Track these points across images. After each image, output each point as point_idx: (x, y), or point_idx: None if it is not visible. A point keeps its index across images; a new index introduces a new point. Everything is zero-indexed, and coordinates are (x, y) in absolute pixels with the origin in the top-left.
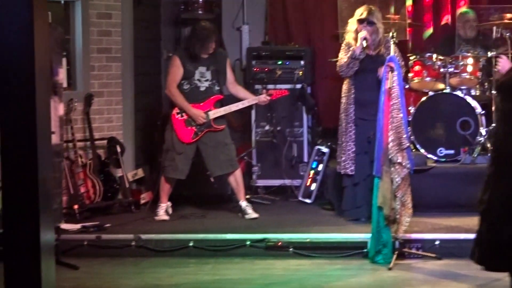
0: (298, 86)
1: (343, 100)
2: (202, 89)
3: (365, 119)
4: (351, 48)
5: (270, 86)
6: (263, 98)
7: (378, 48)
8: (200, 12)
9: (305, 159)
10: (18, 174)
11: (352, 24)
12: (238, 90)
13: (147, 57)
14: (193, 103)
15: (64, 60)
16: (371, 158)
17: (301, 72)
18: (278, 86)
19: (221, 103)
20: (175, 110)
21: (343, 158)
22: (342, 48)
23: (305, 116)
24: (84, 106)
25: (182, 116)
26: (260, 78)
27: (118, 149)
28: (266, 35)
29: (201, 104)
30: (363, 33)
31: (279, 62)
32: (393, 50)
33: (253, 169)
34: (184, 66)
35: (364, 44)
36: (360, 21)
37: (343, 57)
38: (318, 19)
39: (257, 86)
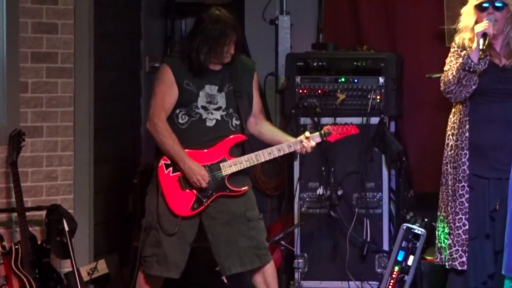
0: (375, 120)
1: (450, 141)
2: (210, 123)
3: (487, 178)
4: (463, 53)
5: (327, 120)
6: (314, 140)
7: None
8: None
9: (386, 247)
10: None
11: (467, 14)
12: (263, 128)
13: (118, 69)
14: (193, 147)
15: None
16: (498, 246)
17: (379, 97)
18: (340, 119)
19: (242, 149)
20: (163, 161)
21: (448, 242)
22: (450, 54)
23: (385, 172)
24: (8, 152)
25: (175, 170)
26: (310, 106)
27: (66, 226)
28: (320, 33)
29: (207, 149)
30: (481, 26)
31: (343, 79)
32: None
33: (295, 262)
34: (181, 84)
35: (481, 44)
36: (480, 6)
37: (451, 67)
38: (409, 7)
39: (304, 120)
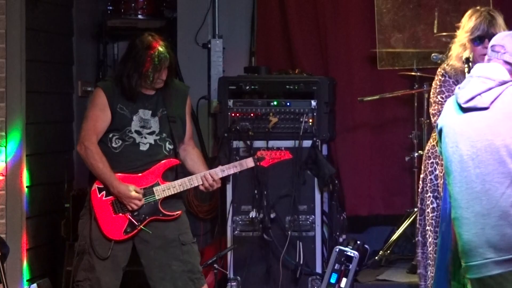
0: (307, 143)
1: (436, 171)
2: (143, 147)
3: None
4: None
5: (260, 143)
6: (247, 165)
7: None
8: (140, 16)
9: (319, 269)
10: None
11: (460, 43)
12: (188, 156)
13: (50, 93)
14: (127, 171)
15: None
16: None
17: (312, 120)
18: (273, 142)
19: (175, 173)
20: (97, 185)
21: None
22: (439, 83)
23: (318, 195)
24: None
25: (108, 194)
26: (242, 130)
27: None
28: (253, 57)
29: (141, 173)
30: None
31: (275, 103)
32: None
33: (228, 286)
34: (114, 108)
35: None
36: (476, 40)
37: (438, 99)
38: (341, 31)
39: (237, 143)
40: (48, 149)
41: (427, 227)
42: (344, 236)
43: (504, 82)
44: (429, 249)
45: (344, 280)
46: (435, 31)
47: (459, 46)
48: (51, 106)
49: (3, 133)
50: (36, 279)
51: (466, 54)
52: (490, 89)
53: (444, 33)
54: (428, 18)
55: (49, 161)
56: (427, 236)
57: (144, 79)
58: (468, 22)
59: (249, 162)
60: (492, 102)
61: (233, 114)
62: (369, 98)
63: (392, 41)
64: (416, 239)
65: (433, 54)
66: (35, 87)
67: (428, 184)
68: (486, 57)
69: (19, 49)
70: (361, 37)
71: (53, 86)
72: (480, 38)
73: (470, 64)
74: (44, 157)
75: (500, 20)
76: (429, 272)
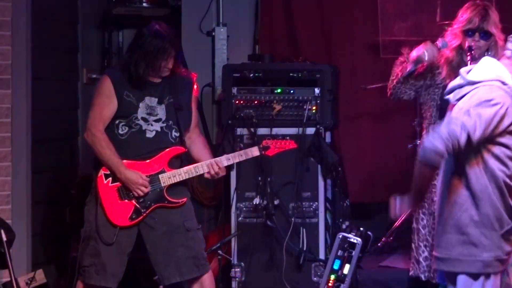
0: (311, 130)
1: None
2: (150, 134)
3: None
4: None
5: (263, 131)
6: (252, 154)
7: None
8: (145, 4)
9: (322, 256)
10: None
11: (453, 33)
12: (193, 144)
13: (55, 81)
14: (133, 158)
15: None
16: None
17: (315, 108)
18: (277, 130)
19: (181, 160)
20: (103, 171)
21: (425, 255)
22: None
23: (321, 182)
24: None
25: (114, 180)
26: (246, 117)
27: (4, 237)
28: (257, 45)
29: (148, 160)
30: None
31: (278, 90)
32: None
33: (232, 272)
34: (121, 95)
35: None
36: (468, 32)
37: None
38: (345, 19)
39: (241, 131)
40: (53, 136)
41: (420, 211)
42: (347, 223)
43: (474, 83)
44: (423, 232)
45: (347, 266)
46: (437, 19)
47: (451, 35)
48: (56, 93)
49: (9, 120)
50: (42, 265)
51: (456, 42)
52: (460, 86)
53: (447, 22)
54: (431, 7)
55: (54, 148)
56: (420, 219)
57: (151, 68)
58: (463, 14)
59: (254, 151)
60: (458, 99)
61: (237, 102)
62: (372, 86)
63: (395, 29)
64: (413, 226)
65: (435, 43)
66: (40, 74)
67: None
68: (508, 51)
69: (24, 36)
70: (364, 25)
71: (58, 73)
72: (472, 31)
73: (472, 52)
74: (49, 144)
75: (494, 16)
76: (424, 254)
